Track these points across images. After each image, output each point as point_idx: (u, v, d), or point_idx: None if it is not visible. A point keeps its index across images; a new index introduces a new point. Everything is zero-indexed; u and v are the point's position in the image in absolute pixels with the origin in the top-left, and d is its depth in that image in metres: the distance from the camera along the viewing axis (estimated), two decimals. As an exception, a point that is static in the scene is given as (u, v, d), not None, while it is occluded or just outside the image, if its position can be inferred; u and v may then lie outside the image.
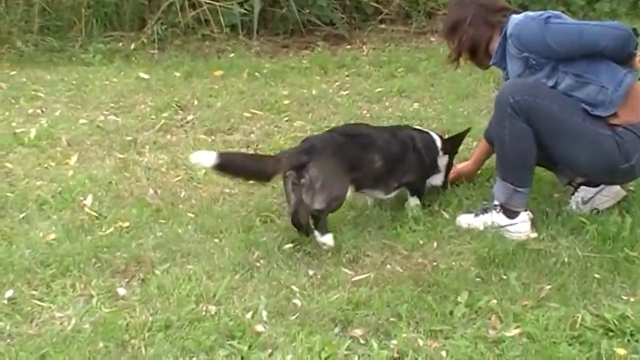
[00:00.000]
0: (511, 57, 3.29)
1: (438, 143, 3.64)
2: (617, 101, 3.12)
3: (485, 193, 3.62)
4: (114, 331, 2.61)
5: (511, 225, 3.28)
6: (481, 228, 3.31)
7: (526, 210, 3.31)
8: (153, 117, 5.02)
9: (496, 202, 3.33)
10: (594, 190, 3.42)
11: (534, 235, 3.27)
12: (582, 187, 3.45)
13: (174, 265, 3.08)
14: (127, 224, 3.42)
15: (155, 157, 4.33)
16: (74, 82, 5.82)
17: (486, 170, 3.84)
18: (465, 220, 3.38)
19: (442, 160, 3.66)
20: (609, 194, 3.43)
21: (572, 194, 3.48)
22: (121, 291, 2.89)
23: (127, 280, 2.98)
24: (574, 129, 3.14)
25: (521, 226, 3.27)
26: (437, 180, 3.68)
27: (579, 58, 3.14)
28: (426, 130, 3.72)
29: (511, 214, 3.29)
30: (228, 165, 3.12)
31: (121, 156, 4.34)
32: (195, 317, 2.69)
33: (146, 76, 5.93)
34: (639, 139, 3.15)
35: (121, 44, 6.83)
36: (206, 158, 3.05)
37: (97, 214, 3.54)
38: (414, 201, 3.54)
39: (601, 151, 3.15)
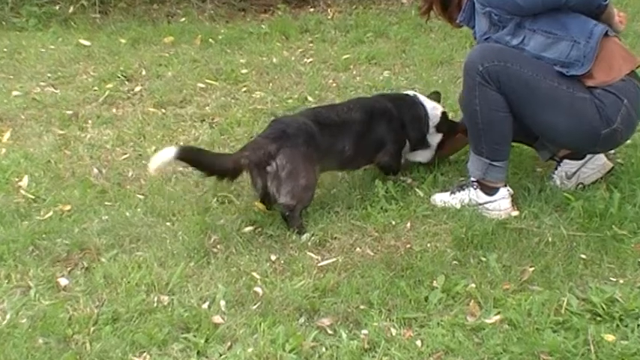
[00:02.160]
0: (478, 14, 3.30)
1: (433, 119, 3.63)
2: (591, 55, 3.11)
3: (462, 169, 3.63)
4: (55, 326, 2.57)
5: (490, 202, 3.30)
6: (458, 206, 3.33)
7: (505, 185, 3.33)
8: (96, 88, 4.95)
9: (473, 178, 3.34)
10: (578, 163, 3.45)
11: (515, 213, 3.29)
12: (565, 161, 3.48)
13: (122, 251, 3.05)
14: (68, 207, 3.38)
15: (99, 133, 4.28)
16: (5, 49, 5.71)
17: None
18: (441, 198, 3.39)
19: (434, 138, 3.67)
20: (594, 167, 3.46)
21: (555, 169, 3.51)
22: (63, 281, 2.85)
23: (69, 269, 2.94)
24: (549, 94, 3.15)
25: (500, 203, 3.30)
26: (423, 156, 3.70)
27: (545, 13, 3.13)
28: (421, 101, 3.67)
29: (489, 190, 3.31)
30: (190, 157, 3.07)
31: (61, 132, 4.28)
32: (145, 308, 2.66)
33: (87, 43, 5.84)
34: (620, 100, 3.14)
35: (57, 7, 6.69)
36: (164, 155, 2.97)
37: (34, 197, 3.49)
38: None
39: (580, 116, 3.16)
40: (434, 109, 3.68)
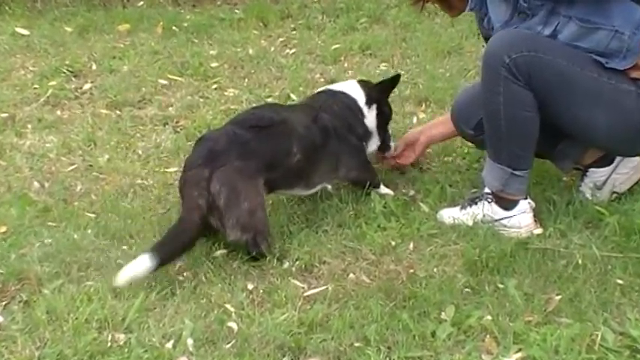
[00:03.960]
0: (497, 0, 3.30)
1: (360, 101, 3.66)
2: (637, 49, 3.13)
3: (475, 179, 3.64)
4: (-12, 372, 2.55)
5: (508, 218, 3.31)
6: (469, 223, 3.34)
7: (526, 197, 3.34)
8: (36, 86, 4.96)
9: (487, 190, 3.35)
10: (608, 169, 3.47)
11: (538, 230, 3.30)
12: (592, 170, 3.50)
13: (69, 281, 3.02)
14: (3, 229, 3.36)
15: (41, 140, 4.28)
16: None
17: (475, 149, 3.86)
18: (449, 214, 3.40)
19: (370, 116, 3.67)
20: (627, 170, 3.48)
21: (582, 180, 3.53)
22: (-3, 318, 2.84)
23: (4, 303, 2.92)
24: (588, 87, 3.17)
25: (520, 219, 3.31)
26: (372, 146, 3.71)
27: None
28: (339, 89, 3.73)
29: (507, 203, 3.32)
30: (172, 254, 3.03)
31: (-6, 138, 4.28)
32: (97, 349, 2.64)
33: (25, 32, 5.85)
34: None
35: (-11, -10, 6.71)
36: (138, 267, 2.92)
37: (-38, 217, 3.47)
38: (379, 191, 3.59)
39: (624, 111, 3.18)
40: (352, 88, 3.71)
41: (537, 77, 3.15)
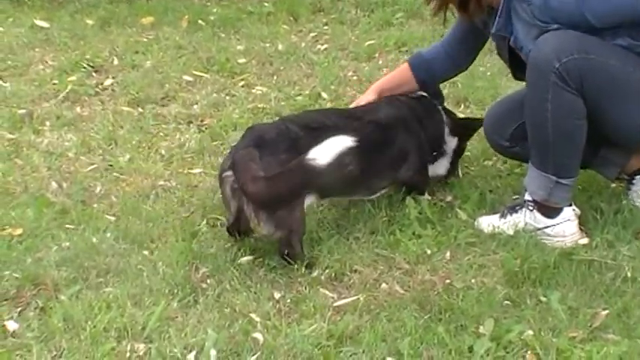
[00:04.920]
0: (524, 22, 3.25)
1: (445, 118, 3.68)
2: None
3: (516, 184, 3.62)
4: (2, 381, 2.57)
5: (552, 226, 3.29)
6: (510, 232, 3.32)
7: (570, 204, 3.32)
8: (55, 82, 4.98)
9: (528, 197, 3.34)
10: None
11: (584, 240, 3.28)
12: (638, 177, 3.49)
13: (87, 287, 3.04)
14: (19, 231, 3.38)
15: (59, 138, 4.30)
16: (-58, 33, 5.77)
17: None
18: (488, 221, 3.39)
19: (450, 143, 3.70)
20: None
21: (628, 190, 3.52)
22: (12, 325, 2.84)
23: (19, 309, 2.93)
24: None
25: (565, 228, 3.29)
26: (441, 168, 3.71)
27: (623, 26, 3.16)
28: (426, 96, 3.73)
29: (550, 211, 3.30)
30: None
31: (11, 136, 4.31)
32: (116, 360, 2.66)
33: (45, 25, 5.88)
34: None
35: (8, -20, 6.76)
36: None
37: (-23, 218, 3.50)
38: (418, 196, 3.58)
39: None
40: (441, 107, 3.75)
41: (589, 80, 3.12)
